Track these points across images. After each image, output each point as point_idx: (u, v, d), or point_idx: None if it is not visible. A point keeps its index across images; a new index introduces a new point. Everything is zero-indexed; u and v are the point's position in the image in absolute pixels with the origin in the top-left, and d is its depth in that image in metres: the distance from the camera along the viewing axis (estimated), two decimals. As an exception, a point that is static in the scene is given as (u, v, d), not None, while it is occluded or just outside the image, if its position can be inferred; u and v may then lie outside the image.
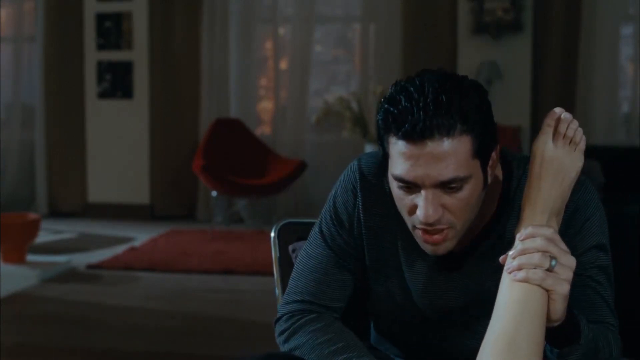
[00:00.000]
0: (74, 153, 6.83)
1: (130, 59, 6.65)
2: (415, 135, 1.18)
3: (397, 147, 1.21)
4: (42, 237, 5.35)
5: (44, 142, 6.83)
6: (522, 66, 6.06)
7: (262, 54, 6.87)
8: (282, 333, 1.42)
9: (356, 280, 1.45)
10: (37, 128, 6.86)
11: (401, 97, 1.20)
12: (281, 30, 6.83)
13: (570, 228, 1.32)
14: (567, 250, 1.17)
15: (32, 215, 5.03)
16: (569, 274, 1.15)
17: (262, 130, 6.87)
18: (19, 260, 4.70)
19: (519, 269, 1.15)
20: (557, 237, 1.17)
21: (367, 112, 6.23)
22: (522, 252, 1.15)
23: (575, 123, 1.26)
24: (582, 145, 1.26)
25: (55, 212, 6.84)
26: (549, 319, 1.16)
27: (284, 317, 1.43)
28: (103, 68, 6.69)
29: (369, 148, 5.89)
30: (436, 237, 1.25)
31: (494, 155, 1.28)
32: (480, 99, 1.22)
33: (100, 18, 6.65)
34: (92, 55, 6.71)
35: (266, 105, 7.00)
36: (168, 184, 6.68)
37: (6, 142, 6.99)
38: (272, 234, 1.77)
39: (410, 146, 1.19)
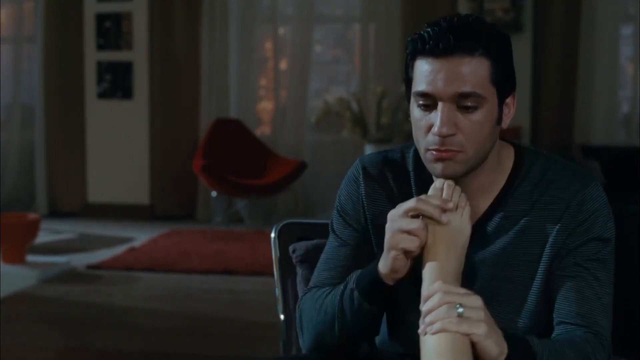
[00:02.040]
0: (74, 153, 6.83)
1: (130, 59, 6.65)
2: (438, 51, 1.27)
3: (421, 65, 1.30)
4: (42, 237, 5.35)
5: (44, 142, 6.83)
6: (522, 66, 6.05)
7: (262, 54, 6.87)
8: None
9: None
10: (37, 128, 6.86)
11: (431, 26, 1.31)
12: (281, 30, 6.83)
13: (576, 219, 1.35)
14: (468, 292, 1.19)
15: (32, 215, 5.03)
16: (480, 314, 1.17)
17: (262, 131, 6.87)
18: (19, 260, 4.69)
19: (432, 323, 1.17)
20: (451, 287, 1.19)
21: (367, 112, 6.23)
22: (428, 312, 1.17)
23: (458, 189, 1.30)
24: (468, 209, 1.30)
25: (55, 212, 6.83)
26: (487, 358, 1.17)
27: (297, 306, 1.49)
28: (103, 68, 6.69)
29: (369, 148, 5.89)
30: (447, 154, 1.29)
31: (510, 101, 1.35)
32: (504, 38, 1.33)
33: (100, 18, 6.65)
34: (92, 56, 6.71)
35: (266, 106, 7.00)
36: (168, 184, 6.68)
37: (6, 142, 6.99)
38: (272, 234, 1.77)
39: (433, 61, 1.28)
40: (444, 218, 1.26)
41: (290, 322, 1.72)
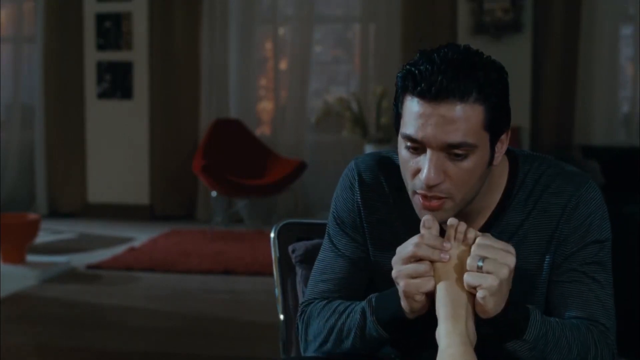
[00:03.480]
0: (74, 153, 6.83)
1: (130, 60, 6.65)
2: (430, 95, 1.21)
3: (411, 106, 1.25)
4: (42, 237, 5.35)
5: (44, 142, 6.82)
6: (522, 66, 6.06)
7: (262, 54, 6.87)
8: (301, 334, 1.46)
9: (367, 279, 1.46)
10: (37, 128, 6.86)
11: (423, 60, 1.24)
12: (281, 30, 6.83)
13: (571, 222, 1.34)
14: (501, 247, 1.20)
15: (32, 215, 5.02)
16: (497, 268, 1.18)
17: (262, 131, 6.87)
18: (19, 260, 4.69)
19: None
20: (488, 240, 1.22)
21: (367, 112, 6.23)
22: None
23: (460, 225, 1.26)
24: (473, 239, 1.26)
25: (55, 212, 6.83)
26: (481, 313, 1.21)
27: (297, 321, 1.47)
28: (103, 68, 6.69)
29: (369, 148, 5.88)
30: (434, 202, 1.27)
31: (504, 137, 1.30)
32: (499, 76, 1.26)
33: (100, 18, 6.65)
34: (92, 56, 6.71)
35: (266, 106, 7.00)
36: (168, 184, 6.68)
37: (6, 142, 6.99)
38: (272, 234, 1.77)
39: (424, 105, 1.22)
40: (445, 257, 1.24)
41: (290, 322, 1.72)
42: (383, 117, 6.00)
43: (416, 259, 1.24)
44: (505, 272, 1.18)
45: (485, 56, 1.27)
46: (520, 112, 6.04)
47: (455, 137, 1.22)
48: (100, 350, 3.42)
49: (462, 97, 1.21)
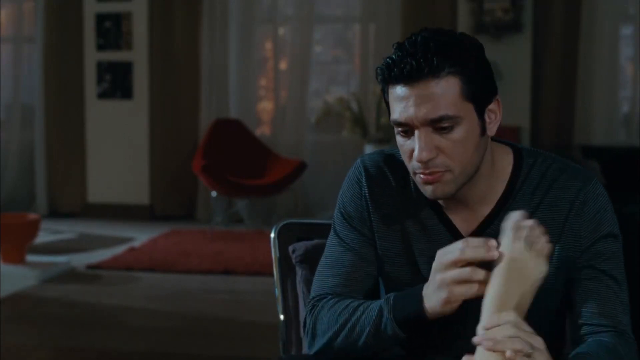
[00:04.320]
0: (74, 153, 6.83)
1: (130, 60, 6.65)
2: (404, 77, 1.27)
3: (393, 93, 1.31)
4: (42, 238, 5.35)
5: (43, 142, 6.83)
6: (522, 66, 6.06)
7: (262, 54, 6.87)
8: (309, 328, 1.44)
9: (376, 273, 1.46)
10: (37, 128, 6.86)
11: (396, 49, 1.30)
12: (281, 31, 6.83)
13: (582, 217, 1.36)
14: (532, 330, 1.18)
15: (32, 216, 5.02)
16: (545, 355, 1.17)
17: (262, 131, 6.87)
18: (19, 260, 4.69)
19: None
20: (521, 322, 1.19)
21: (367, 112, 6.23)
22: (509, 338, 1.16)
23: (537, 230, 1.24)
24: (546, 251, 1.24)
25: (55, 212, 6.83)
26: None
27: (306, 316, 1.45)
28: (103, 68, 6.69)
29: (369, 148, 5.88)
30: (433, 176, 1.30)
31: (493, 106, 1.34)
32: (472, 46, 1.30)
33: (100, 18, 6.65)
34: (92, 56, 6.71)
35: (266, 106, 7.00)
36: (168, 184, 6.68)
37: (6, 142, 6.99)
38: (272, 235, 1.77)
39: (401, 89, 1.28)
40: (494, 254, 1.22)
41: (290, 322, 1.72)
42: (383, 117, 6.00)
43: (462, 263, 1.23)
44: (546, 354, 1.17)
45: (458, 33, 1.31)
46: (520, 112, 6.05)
47: (435, 112, 1.26)
48: (100, 350, 3.42)
49: (434, 72, 1.25)
